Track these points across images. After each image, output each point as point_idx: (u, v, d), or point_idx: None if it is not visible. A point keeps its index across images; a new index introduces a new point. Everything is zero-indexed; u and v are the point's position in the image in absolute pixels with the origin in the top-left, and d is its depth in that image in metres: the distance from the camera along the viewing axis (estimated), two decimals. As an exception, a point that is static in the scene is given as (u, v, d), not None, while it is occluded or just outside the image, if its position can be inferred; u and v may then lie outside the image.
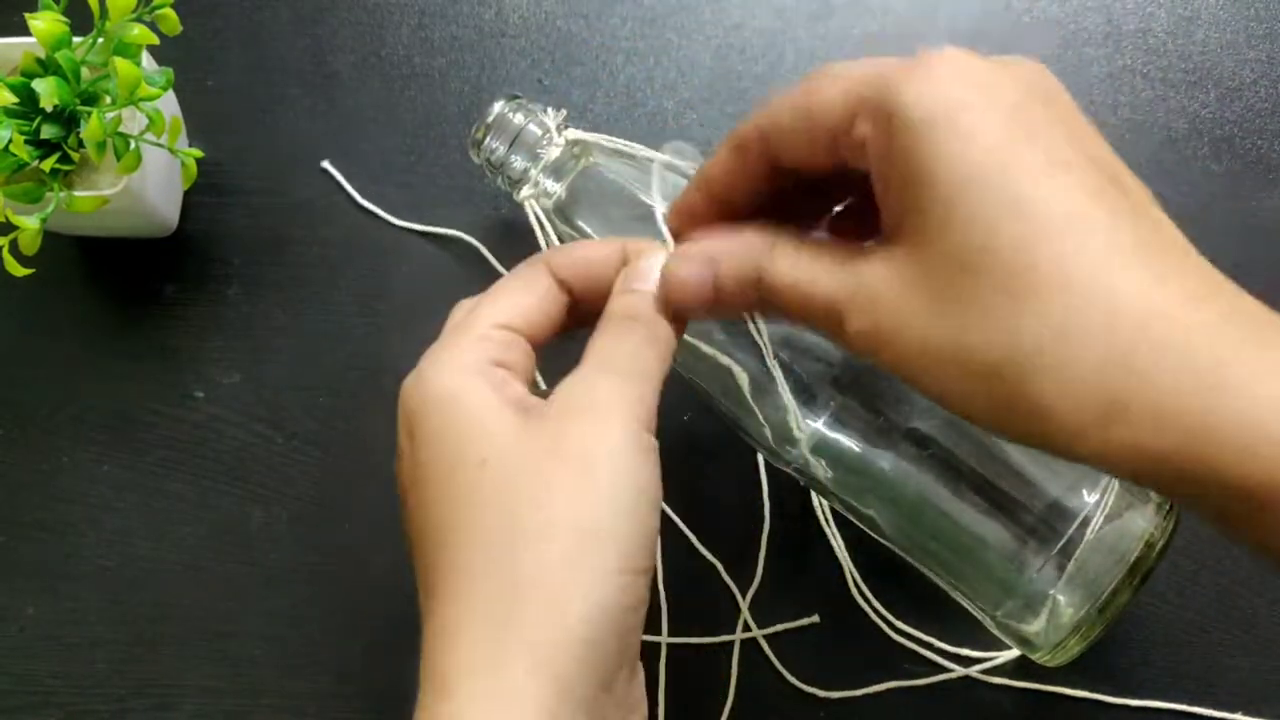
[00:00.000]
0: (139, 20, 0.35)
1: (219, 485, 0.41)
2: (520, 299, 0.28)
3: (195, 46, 0.43)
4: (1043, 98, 0.24)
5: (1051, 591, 0.32)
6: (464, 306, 0.30)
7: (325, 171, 0.43)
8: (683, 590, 0.39)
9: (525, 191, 0.37)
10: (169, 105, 0.40)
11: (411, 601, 0.40)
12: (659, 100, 0.44)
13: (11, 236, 0.35)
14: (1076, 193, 0.22)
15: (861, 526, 0.36)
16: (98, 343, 0.42)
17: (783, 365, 0.33)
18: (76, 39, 0.35)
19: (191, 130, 0.42)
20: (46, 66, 0.35)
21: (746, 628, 0.39)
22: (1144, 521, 0.32)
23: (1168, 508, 0.32)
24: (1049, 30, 0.44)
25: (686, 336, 0.35)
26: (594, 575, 0.24)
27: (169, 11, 0.36)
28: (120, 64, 0.34)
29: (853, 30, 0.44)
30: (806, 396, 0.33)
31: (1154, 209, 0.24)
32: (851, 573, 0.39)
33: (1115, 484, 0.32)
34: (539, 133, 0.37)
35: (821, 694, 0.38)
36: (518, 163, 0.37)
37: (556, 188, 0.37)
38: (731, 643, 0.39)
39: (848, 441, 0.34)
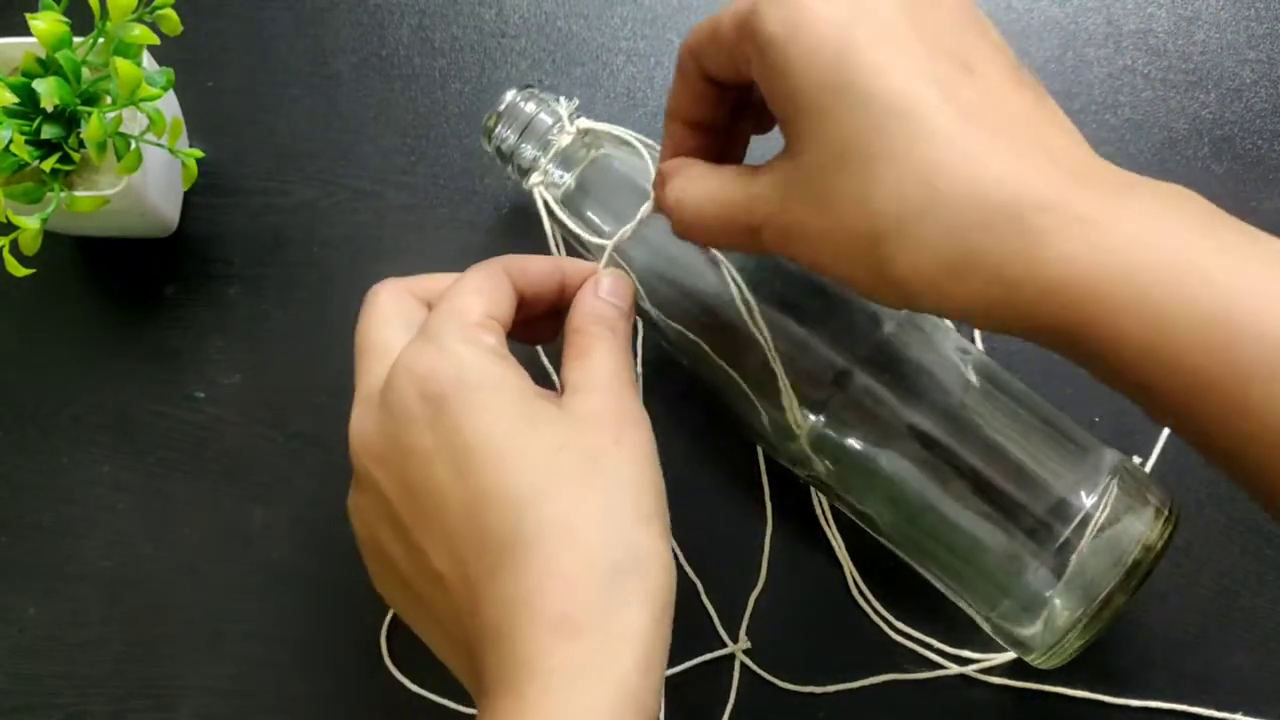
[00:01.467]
0: (140, 20, 0.35)
1: (220, 485, 0.41)
2: (496, 295, 0.30)
3: (196, 47, 0.43)
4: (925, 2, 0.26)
5: (1048, 594, 0.32)
6: (392, 284, 0.33)
7: (325, 172, 0.43)
8: (685, 593, 0.39)
9: (534, 179, 0.37)
10: (169, 106, 0.40)
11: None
12: (659, 100, 0.44)
13: (12, 237, 0.35)
14: (916, 82, 0.24)
15: (860, 523, 0.36)
16: (98, 343, 0.42)
17: (784, 359, 0.33)
18: (77, 39, 0.35)
19: (192, 131, 0.42)
20: (47, 66, 0.35)
21: (742, 636, 0.39)
22: (1142, 525, 0.32)
23: (1166, 512, 0.32)
24: (1049, 31, 0.44)
25: (691, 335, 0.35)
26: (667, 557, 0.27)
27: (170, 12, 0.36)
28: (121, 64, 0.34)
29: (853, 30, 0.44)
30: (808, 392, 0.33)
31: (1004, 86, 0.25)
32: (851, 573, 0.39)
33: (1115, 487, 0.32)
34: (550, 121, 0.37)
35: (818, 690, 0.38)
36: (528, 151, 0.37)
37: (566, 177, 0.37)
38: (731, 656, 0.39)
39: (847, 438, 0.34)
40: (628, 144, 0.37)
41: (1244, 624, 0.38)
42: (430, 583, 0.27)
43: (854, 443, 0.33)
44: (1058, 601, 0.32)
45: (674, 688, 0.38)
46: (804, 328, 0.34)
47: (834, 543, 0.39)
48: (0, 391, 0.42)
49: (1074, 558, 0.31)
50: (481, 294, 0.30)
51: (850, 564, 0.39)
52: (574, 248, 0.38)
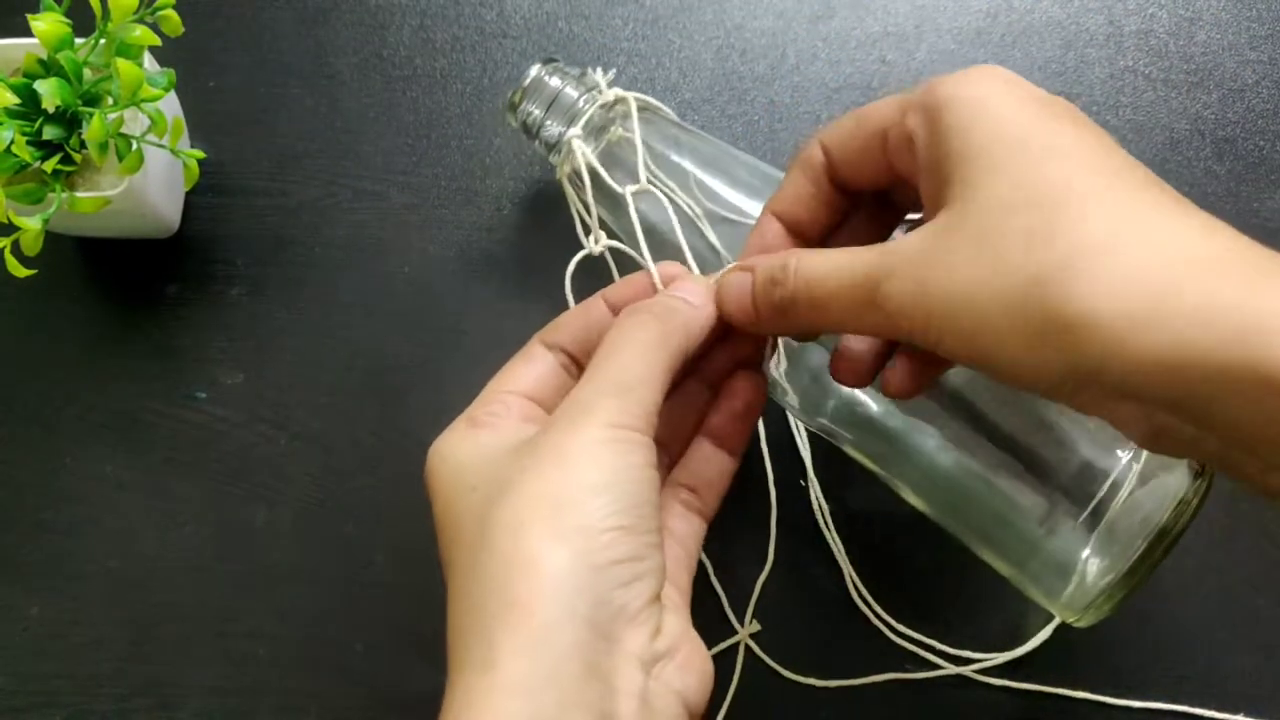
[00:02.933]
0: (141, 21, 0.35)
1: (222, 485, 0.41)
2: (521, 372, 0.30)
3: (197, 47, 0.43)
4: (1063, 106, 0.27)
5: (1083, 553, 0.31)
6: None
7: (327, 172, 0.43)
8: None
9: (573, 133, 0.36)
10: (171, 106, 0.40)
11: (413, 600, 0.40)
12: (661, 101, 0.44)
13: (14, 237, 0.35)
14: (1097, 148, 0.24)
15: (888, 486, 0.36)
16: (100, 343, 0.42)
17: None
18: (79, 40, 0.35)
19: (193, 131, 0.42)
20: (49, 67, 0.35)
21: (749, 620, 0.39)
22: (1175, 483, 0.31)
23: (1198, 468, 0.32)
24: (1051, 31, 0.44)
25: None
26: (565, 535, 0.24)
27: (171, 13, 0.36)
28: (122, 65, 0.34)
29: (854, 31, 0.44)
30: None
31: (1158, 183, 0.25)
32: (851, 577, 0.39)
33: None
34: (575, 95, 0.37)
35: (819, 684, 0.38)
36: (554, 126, 0.37)
37: (590, 151, 0.36)
38: (735, 637, 0.39)
39: (875, 404, 0.33)
40: (655, 114, 0.36)
41: (1247, 624, 0.38)
42: None
43: (882, 408, 0.33)
44: (1092, 561, 0.31)
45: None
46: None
47: (834, 547, 0.39)
48: (3, 391, 0.42)
49: (1107, 516, 0.31)
50: (498, 377, 0.30)
51: (850, 569, 0.39)
52: (596, 228, 0.37)
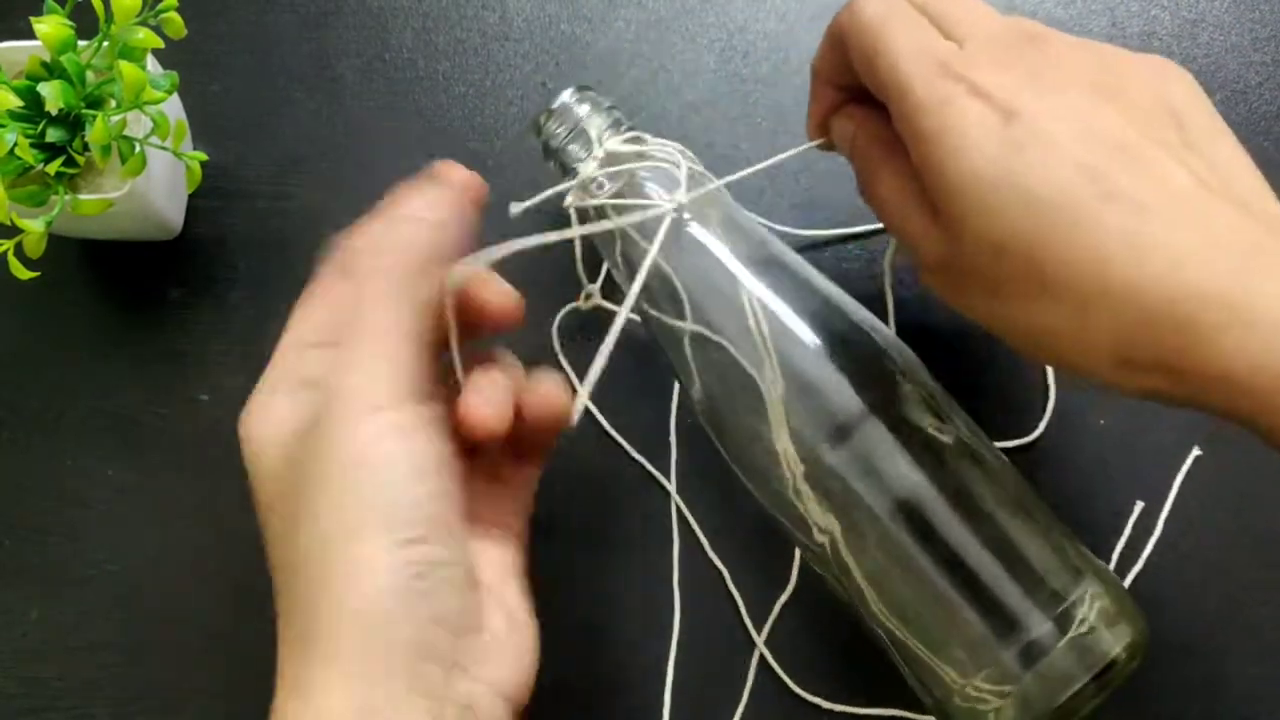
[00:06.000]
0: (144, 24, 0.35)
1: (223, 488, 0.41)
2: (306, 312, 0.29)
3: (200, 50, 0.44)
4: (1069, 86, 0.27)
5: (1011, 689, 0.31)
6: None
7: (329, 175, 0.43)
8: (702, 593, 0.39)
9: (569, 198, 0.36)
10: (174, 108, 0.40)
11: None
12: (663, 103, 0.44)
13: (16, 240, 0.35)
14: (1076, 176, 0.25)
15: (842, 599, 0.35)
16: (102, 346, 0.42)
17: (797, 392, 0.33)
18: (82, 42, 0.35)
19: (196, 133, 0.42)
20: (52, 70, 0.35)
21: (764, 636, 0.39)
22: (1115, 641, 0.31)
23: (1137, 638, 0.31)
24: (1053, 33, 0.44)
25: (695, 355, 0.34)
26: (358, 561, 0.24)
27: (174, 15, 0.36)
28: (125, 67, 0.34)
29: (857, 33, 0.44)
30: (809, 430, 0.33)
31: (1166, 162, 0.25)
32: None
33: (1097, 601, 0.31)
34: (600, 126, 0.36)
35: (825, 705, 0.38)
36: (574, 152, 0.37)
37: (608, 185, 0.36)
38: (748, 650, 0.39)
39: (849, 484, 0.33)
40: (650, 156, 0.36)
41: (1250, 633, 0.38)
42: None
43: (852, 491, 0.32)
44: (1022, 695, 0.31)
45: (685, 681, 0.38)
46: (829, 363, 0.33)
47: (848, 585, 0.39)
48: (4, 393, 0.42)
49: (1044, 659, 0.30)
50: (293, 323, 0.30)
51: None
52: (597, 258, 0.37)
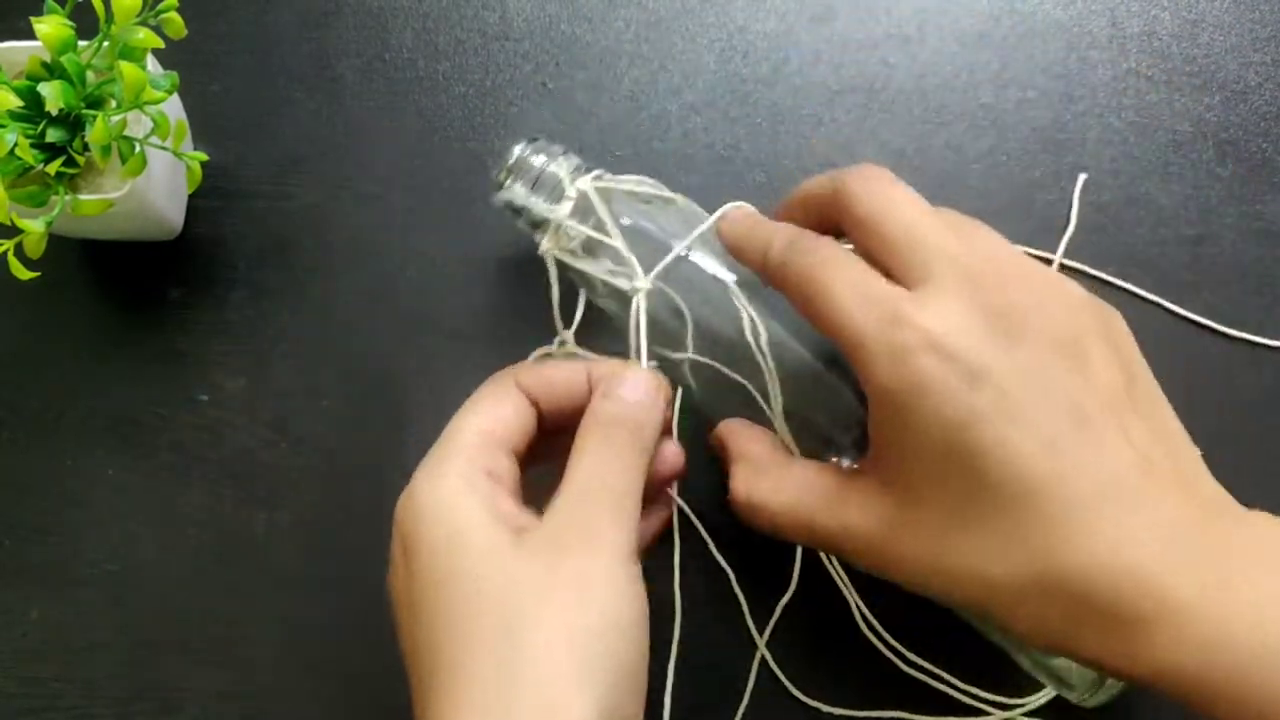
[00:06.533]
0: (144, 24, 0.35)
1: (223, 489, 0.41)
2: (497, 408, 0.30)
3: (200, 50, 0.44)
4: (1033, 341, 0.26)
5: None
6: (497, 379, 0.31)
7: (329, 175, 0.43)
8: (718, 590, 0.39)
9: (544, 245, 0.36)
10: (174, 109, 0.40)
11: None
12: (663, 104, 0.44)
13: (17, 240, 0.35)
14: (1033, 459, 0.25)
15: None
16: (102, 346, 0.42)
17: (802, 423, 0.33)
18: (82, 42, 0.35)
19: (196, 133, 0.42)
20: (52, 70, 0.35)
21: (765, 639, 0.39)
22: None
23: None
24: (1054, 33, 0.44)
25: (701, 375, 0.35)
26: (592, 691, 0.24)
27: (174, 15, 0.36)
28: (125, 67, 0.34)
29: (856, 34, 0.44)
30: (834, 435, 0.33)
31: (1115, 442, 0.26)
32: (858, 605, 0.39)
33: None
34: (560, 175, 0.36)
35: (825, 709, 0.38)
36: (539, 205, 0.36)
37: (580, 228, 0.35)
38: (749, 653, 0.39)
39: None
40: (635, 195, 0.36)
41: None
42: None
43: None
44: None
45: (686, 683, 0.38)
46: (834, 373, 0.33)
47: (841, 585, 0.39)
48: (4, 394, 0.42)
49: None
50: (479, 413, 0.29)
51: (858, 600, 0.39)
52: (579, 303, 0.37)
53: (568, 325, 0.37)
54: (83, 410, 0.42)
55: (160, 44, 0.35)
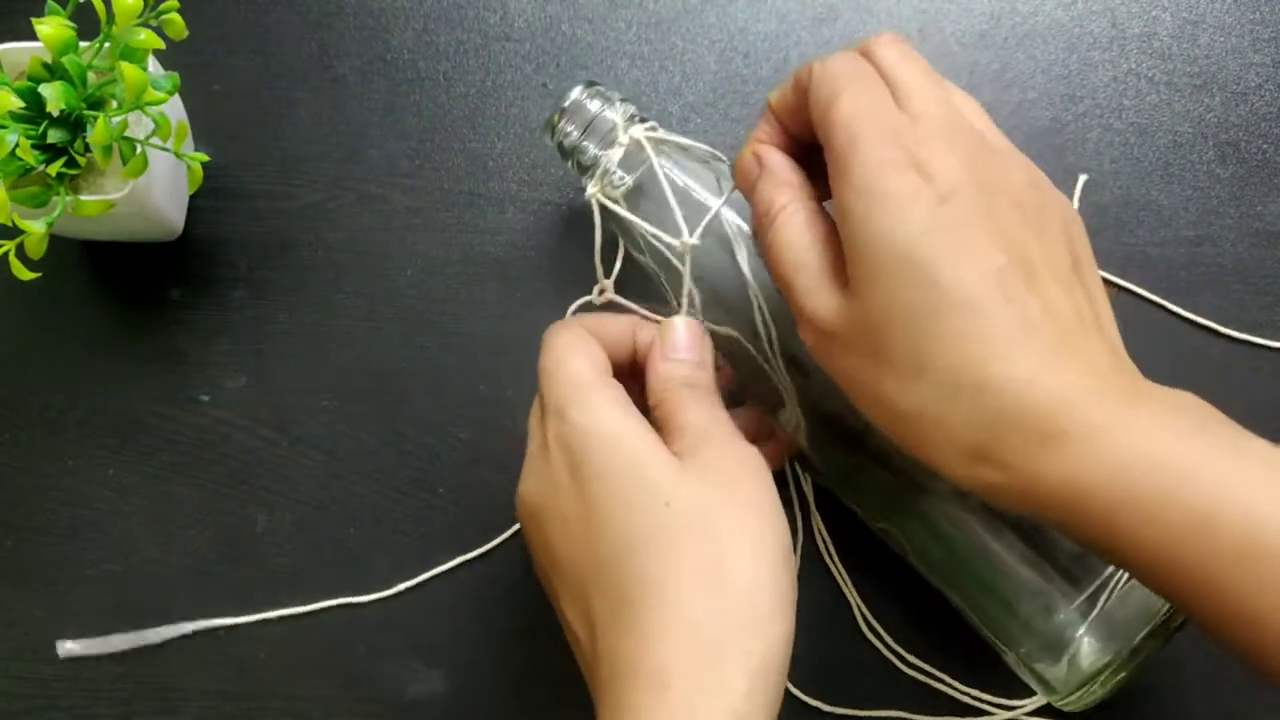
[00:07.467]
0: (145, 25, 0.35)
1: (223, 489, 0.41)
2: (590, 348, 0.32)
3: (201, 51, 0.44)
4: (1000, 192, 0.28)
5: (1076, 635, 0.31)
6: (567, 324, 0.33)
7: (330, 175, 0.43)
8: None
9: (590, 189, 0.36)
10: (175, 109, 0.40)
11: (411, 607, 0.40)
12: (664, 104, 0.44)
13: (18, 240, 0.35)
14: (982, 281, 0.26)
15: (887, 542, 0.36)
16: (103, 346, 0.43)
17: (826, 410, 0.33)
18: (83, 43, 0.35)
19: (197, 134, 0.42)
20: (53, 71, 0.35)
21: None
22: None
23: None
24: (1054, 34, 0.44)
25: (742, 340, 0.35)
26: (784, 611, 0.28)
27: (175, 16, 0.36)
28: (126, 68, 0.34)
29: (857, 34, 0.44)
30: (850, 439, 0.33)
31: (1058, 293, 0.27)
32: (860, 607, 0.39)
33: None
34: (613, 122, 0.36)
35: (825, 708, 0.38)
36: (590, 149, 0.37)
37: (626, 178, 0.36)
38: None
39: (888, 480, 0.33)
40: (683, 149, 0.36)
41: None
42: (569, 635, 0.30)
43: (894, 483, 0.33)
44: (1085, 644, 0.31)
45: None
46: None
47: (843, 586, 0.39)
48: (6, 394, 0.42)
49: (1104, 601, 0.31)
50: (582, 355, 0.31)
51: (859, 601, 0.39)
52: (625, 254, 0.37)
53: (607, 275, 0.37)
54: (83, 410, 0.42)
55: (161, 45, 0.35)
